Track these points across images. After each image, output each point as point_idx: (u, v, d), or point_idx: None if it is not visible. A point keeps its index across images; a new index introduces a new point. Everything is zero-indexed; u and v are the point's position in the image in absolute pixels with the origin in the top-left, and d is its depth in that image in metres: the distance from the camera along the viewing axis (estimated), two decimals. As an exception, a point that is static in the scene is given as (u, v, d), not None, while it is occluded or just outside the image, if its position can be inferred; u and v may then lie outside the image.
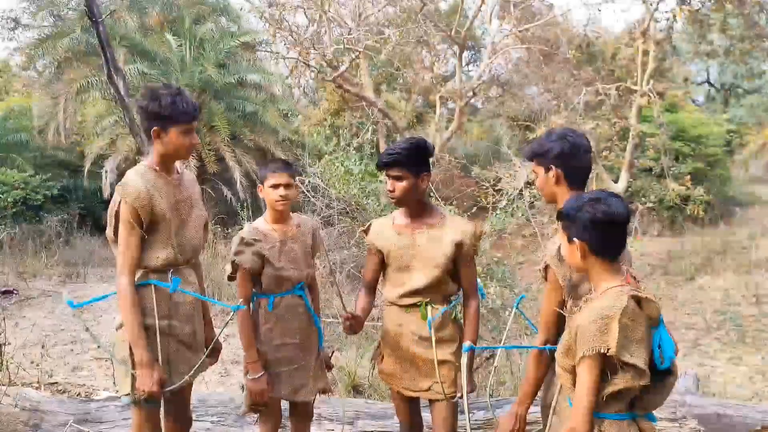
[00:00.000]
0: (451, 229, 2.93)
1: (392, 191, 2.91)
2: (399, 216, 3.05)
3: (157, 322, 2.74)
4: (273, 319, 3.11)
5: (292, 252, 3.13)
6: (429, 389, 2.97)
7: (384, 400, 5.35)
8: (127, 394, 2.76)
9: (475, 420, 4.14)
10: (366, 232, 3.13)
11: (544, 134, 2.65)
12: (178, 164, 2.91)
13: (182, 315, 2.83)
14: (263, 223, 3.14)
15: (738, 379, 8.05)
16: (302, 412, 3.31)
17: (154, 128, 2.71)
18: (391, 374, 3.05)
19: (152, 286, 2.76)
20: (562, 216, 2.15)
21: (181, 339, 2.83)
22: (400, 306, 2.98)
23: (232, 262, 3.06)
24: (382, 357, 3.11)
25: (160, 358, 2.74)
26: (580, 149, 2.52)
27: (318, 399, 3.48)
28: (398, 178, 2.88)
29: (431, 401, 3.01)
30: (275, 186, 3.04)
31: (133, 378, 2.70)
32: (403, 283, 2.96)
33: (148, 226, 2.71)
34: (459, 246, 2.89)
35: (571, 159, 2.50)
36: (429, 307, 2.93)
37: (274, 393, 3.12)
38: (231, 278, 3.13)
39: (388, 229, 3.03)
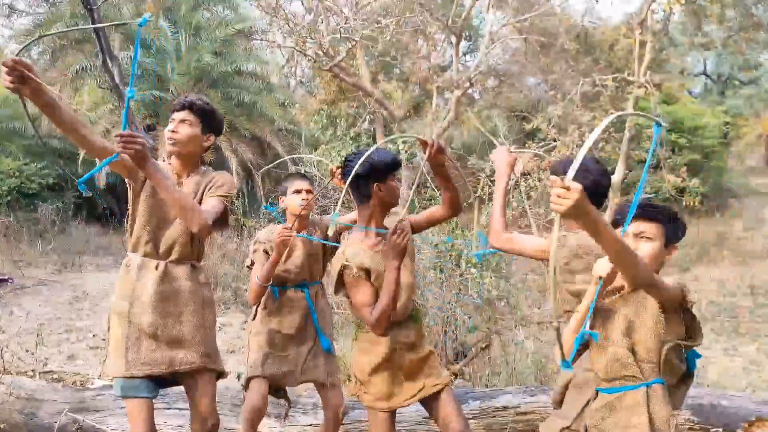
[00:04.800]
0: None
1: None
2: (369, 233, 2.83)
3: (117, 302, 2.85)
4: (274, 308, 3.42)
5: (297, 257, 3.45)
6: (422, 388, 2.88)
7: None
8: (99, 376, 2.79)
9: (471, 409, 4.15)
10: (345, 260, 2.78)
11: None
12: (191, 176, 2.99)
13: (144, 304, 2.81)
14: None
15: (733, 369, 8.08)
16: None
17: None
18: (382, 395, 2.85)
19: (126, 267, 2.87)
20: (666, 219, 2.26)
21: (141, 327, 2.82)
22: (393, 323, 2.82)
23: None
24: (362, 385, 2.90)
25: (126, 340, 2.80)
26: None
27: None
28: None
29: (431, 398, 2.90)
30: (299, 191, 3.40)
31: (104, 363, 2.85)
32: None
33: (134, 191, 2.85)
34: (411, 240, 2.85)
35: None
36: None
37: (262, 371, 3.33)
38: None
39: (364, 250, 2.78)
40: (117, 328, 2.83)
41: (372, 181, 2.76)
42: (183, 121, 2.88)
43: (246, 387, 3.37)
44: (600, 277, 2.16)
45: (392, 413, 2.88)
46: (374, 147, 2.69)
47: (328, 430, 3.53)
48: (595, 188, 2.62)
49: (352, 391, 2.93)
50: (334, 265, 2.77)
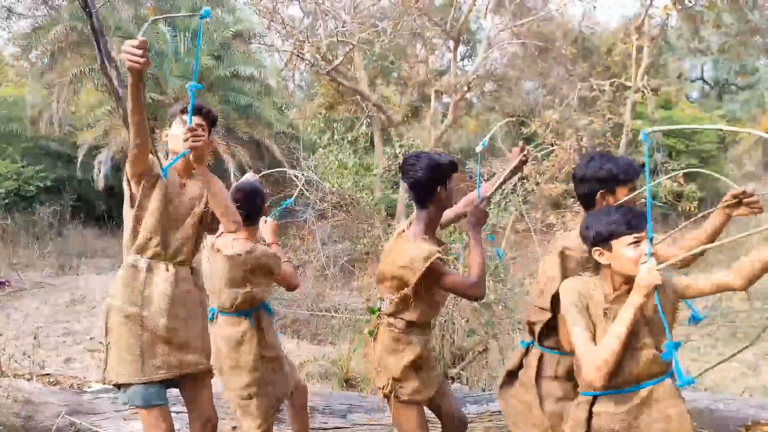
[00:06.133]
0: None
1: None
2: (428, 234, 2.88)
3: (124, 305, 2.74)
4: (269, 332, 3.25)
5: None
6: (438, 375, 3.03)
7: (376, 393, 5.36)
8: (104, 382, 2.75)
9: (468, 413, 4.16)
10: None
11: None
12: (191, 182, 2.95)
13: (158, 308, 2.77)
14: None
15: (730, 374, 8.09)
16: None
17: None
18: (417, 389, 2.89)
19: (133, 269, 2.78)
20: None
21: (156, 332, 2.77)
22: (427, 325, 2.96)
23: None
24: (397, 382, 2.89)
25: (140, 345, 2.73)
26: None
27: (311, 392, 3.57)
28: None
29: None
30: None
31: (106, 363, 2.76)
32: (438, 303, 2.95)
33: (143, 192, 2.78)
34: None
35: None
36: None
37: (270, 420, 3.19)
38: None
39: (430, 242, 2.86)
40: (125, 333, 2.74)
41: (437, 184, 2.76)
42: (199, 125, 2.81)
43: None
44: (655, 286, 2.14)
45: (422, 407, 2.93)
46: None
47: (304, 407, 3.47)
48: (612, 178, 2.64)
49: (386, 391, 2.87)
50: (420, 262, 2.67)
